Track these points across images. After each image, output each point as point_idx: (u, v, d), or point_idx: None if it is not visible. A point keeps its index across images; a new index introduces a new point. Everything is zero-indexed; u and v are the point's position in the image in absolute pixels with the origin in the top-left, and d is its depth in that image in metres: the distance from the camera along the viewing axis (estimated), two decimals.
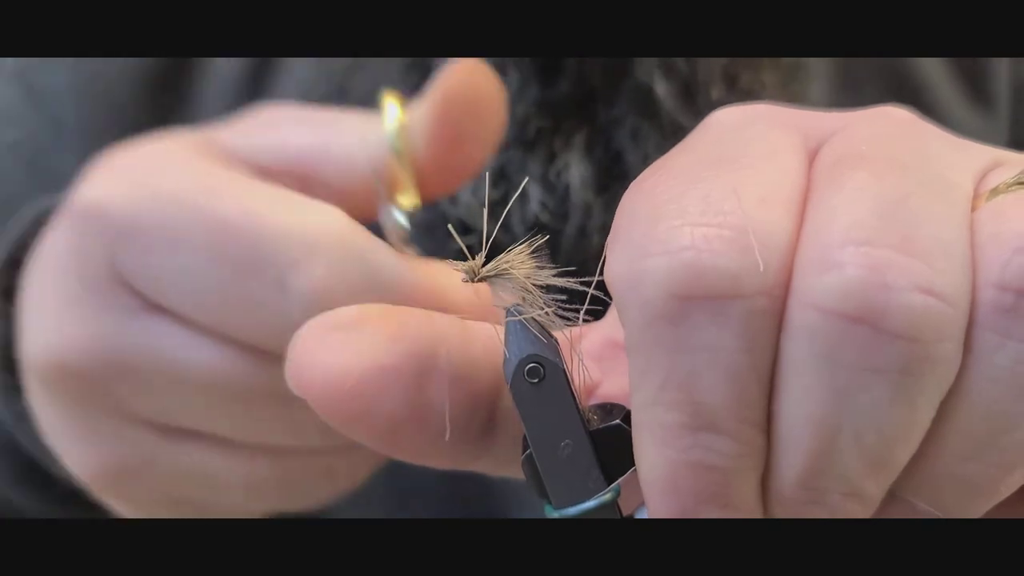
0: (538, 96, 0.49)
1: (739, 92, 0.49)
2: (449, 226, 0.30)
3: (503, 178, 0.49)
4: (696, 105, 0.48)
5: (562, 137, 0.49)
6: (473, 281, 0.28)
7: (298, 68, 0.58)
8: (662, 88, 0.47)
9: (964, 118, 0.57)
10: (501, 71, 0.48)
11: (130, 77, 0.57)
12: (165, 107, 0.57)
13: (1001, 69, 0.58)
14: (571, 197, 0.49)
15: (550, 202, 0.49)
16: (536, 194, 0.48)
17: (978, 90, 0.58)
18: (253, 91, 0.58)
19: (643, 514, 0.27)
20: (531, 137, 0.49)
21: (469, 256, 0.28)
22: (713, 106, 0.48)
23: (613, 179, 0.50)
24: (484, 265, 0.28)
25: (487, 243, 0.29)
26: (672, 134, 0.48)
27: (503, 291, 0.27)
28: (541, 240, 0.28)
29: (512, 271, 0.27)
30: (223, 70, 0.58)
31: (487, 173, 0.33)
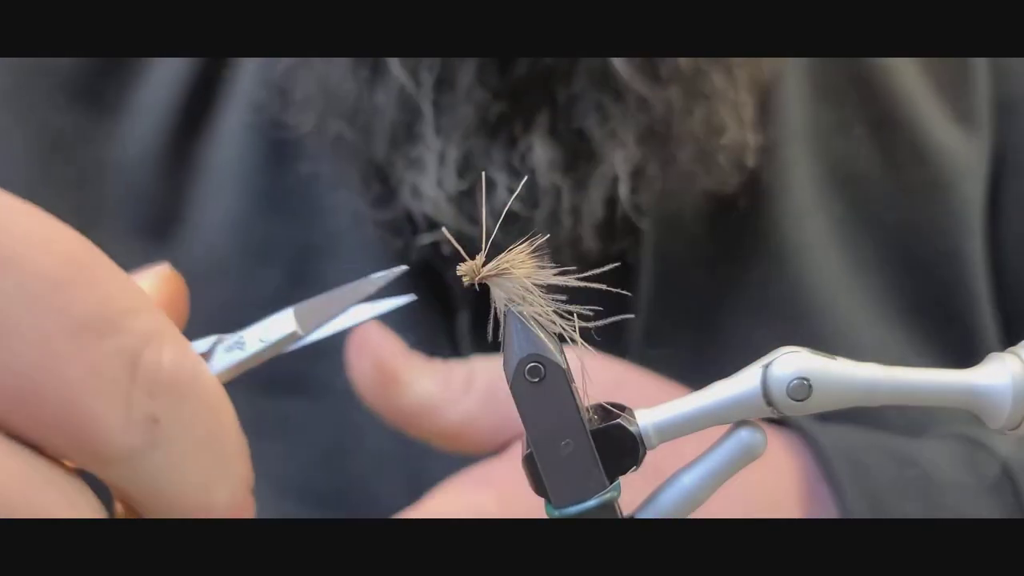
0: (495, 81, 0.48)
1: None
2: (444, 229, 0.30)
3: (467, 168, 0.48)
4: (659, 74, 0.48)
5: (523, 120, 0.48)
6: (474, 281, 0.28)
7: (240, 79, 0.57)
8: (619, 59, 0.47)
9: (943, 134, 0.57)
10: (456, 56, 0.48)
11: (51, 82, 0.55)
12: (89, 117, 0.56)
13: (982, 85, 0.58)
14: (538, 181, 0.49)
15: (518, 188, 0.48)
16: (503, 181, 0.48)
17: (958, 106, 0.58)
18: (196, 103, 0.57)
19: (643, 514, 0.27)
20: (492, 123, 0.48)
21: (467, 257, 0.28)
22: (679, 73, 0.48)
23: (580, 158, 0.49)
24: (485, 264, 0.28)
25: (487, 242, 0.29)
26: (637, 107, 0.48)
27: (503, 291, 0.27)
28: (542, 239, 0.28)
29: (513, 271, 0.27)
30: (164, 78, 0.57)
31: (483, 173, 0.32)
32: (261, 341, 0.28)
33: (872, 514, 0.41)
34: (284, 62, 0.53)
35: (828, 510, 0.42)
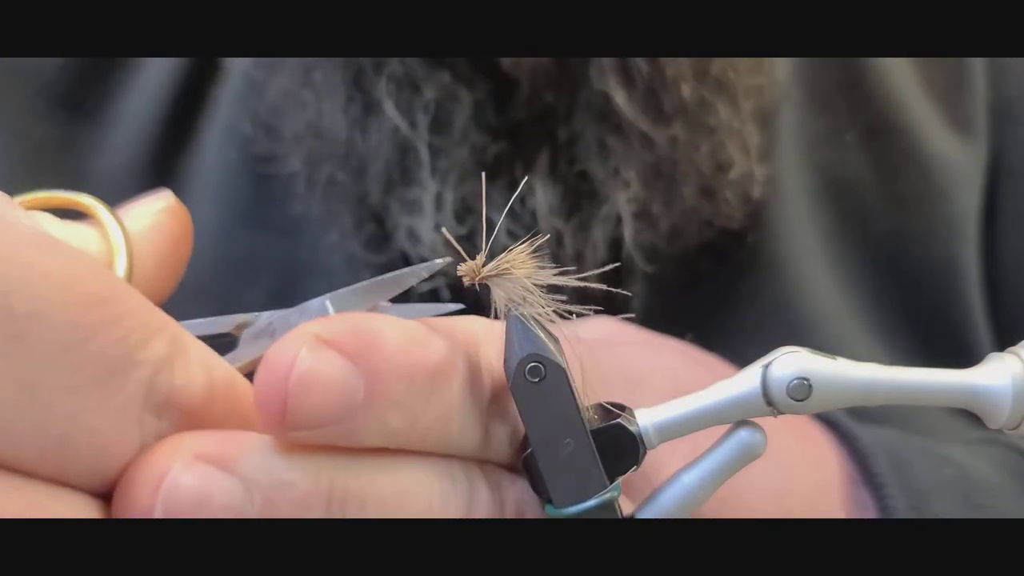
0: (492, 120, 0.47)
1: (711, 84, 0.48)
2: (443, 230, 0.30)
3: (467, 211, 0.48)
4: (663, 108, 0.47)
5: (523, 161, 0.47)
6: (475, 281, 0.28)
7: (225, 102, 0.56)
8: (620, 95, 0.46)
9: (938, 140, 0.56)
10: (454, 96, 0.47)
11: (30, 89, 0.55)
12: (70, 125, 0.56)
13: (979, 89, 0.57)
14: (540, 224, 0.48)
15: (519, 231, 0.47)
16: (503, 225, 0.47)
17: (955, 112, 0.57)
18: (180, 113, 0.56)
19: (643, 513, 0.27)
20: (490, 165, 0.48)
21: (468, 258, 0.28)
22: (683, 106, 0.47)
23: (583, 198, 0.48)
24: (485, 265, 0.28)
25: (487, 243, 0.29)
26: (640, 144, 0.47)
27: (504, 291, 0.28)
28: (542, 239, 0.28)
29: (513, 271, 0.27)
30: (147, 87, 0.56)
31: (483, 175, 0.32)
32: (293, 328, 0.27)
33: (913, 514, 0.38)
34: (270, 97, 0.52)
35: (868, 511, 0.39)
